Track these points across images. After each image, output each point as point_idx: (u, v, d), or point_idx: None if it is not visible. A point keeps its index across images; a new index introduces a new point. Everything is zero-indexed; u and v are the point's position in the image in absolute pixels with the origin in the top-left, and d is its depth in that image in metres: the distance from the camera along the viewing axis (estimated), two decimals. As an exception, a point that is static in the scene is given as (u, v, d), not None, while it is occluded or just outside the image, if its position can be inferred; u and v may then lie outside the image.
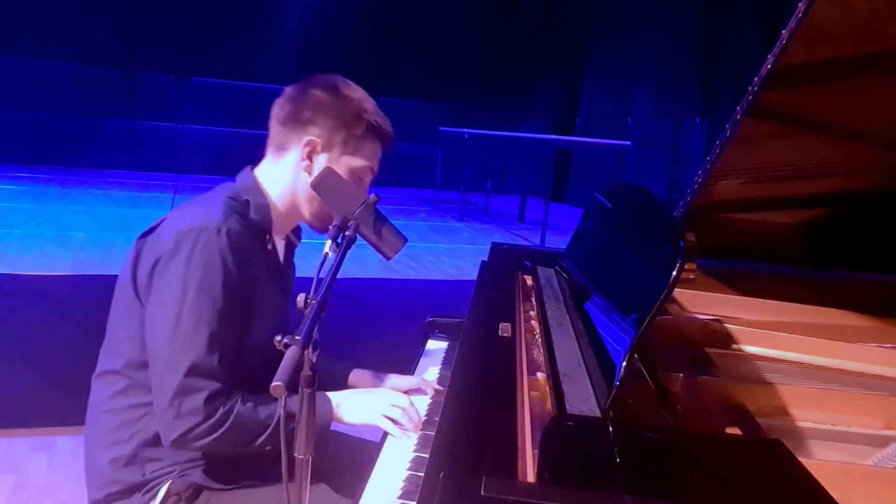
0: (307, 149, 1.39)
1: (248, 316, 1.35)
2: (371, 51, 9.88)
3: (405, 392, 1.52)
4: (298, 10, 9.38)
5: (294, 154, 1.41)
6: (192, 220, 1.29)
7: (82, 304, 3.02)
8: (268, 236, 1.42)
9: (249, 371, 1.35)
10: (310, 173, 1.39)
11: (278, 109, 1.42)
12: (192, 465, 1.37)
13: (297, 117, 1.39)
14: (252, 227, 1.37)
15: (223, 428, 1.25)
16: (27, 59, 8.46)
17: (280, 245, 1.50)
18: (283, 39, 9.35)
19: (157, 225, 1.36)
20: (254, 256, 1.36)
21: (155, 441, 1.34)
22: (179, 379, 1.22)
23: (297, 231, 1.58)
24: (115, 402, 1.37)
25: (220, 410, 1.25)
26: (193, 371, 1.23)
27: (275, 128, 1.43)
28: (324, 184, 1.24)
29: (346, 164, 1.40)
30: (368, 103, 1.43)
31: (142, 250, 1.34)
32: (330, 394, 1.40)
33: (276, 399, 1.27)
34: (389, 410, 1.37)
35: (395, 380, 1.62)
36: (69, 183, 7.19)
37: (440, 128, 8.30)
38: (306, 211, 1.45)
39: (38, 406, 2.98)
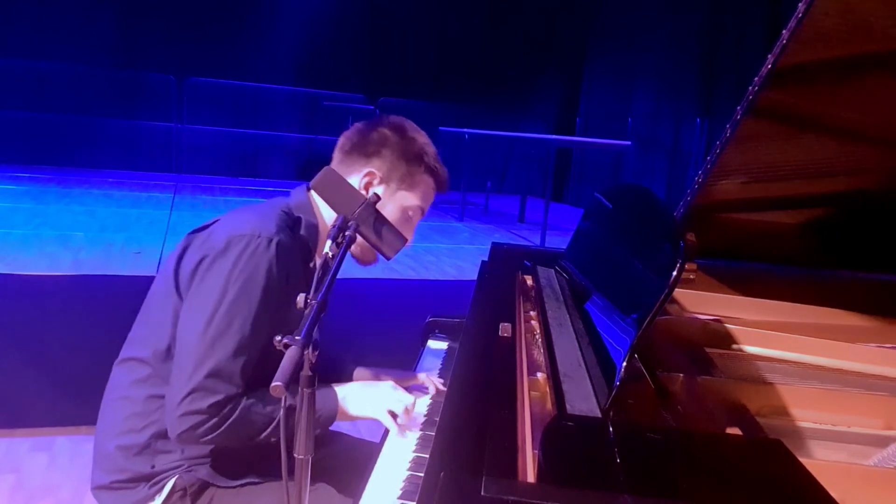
0: (366, 179, 1.43)
1: (281, 330, 1.35)
2: (371, 51, 9.87)
3: (408, 386, 1.54)
4: (298, 10, 9.37)
5: (352, 181, 1.42)
6: (247, 225, 1.31)
7: (82, 304, 3.02)
8: (313, 256, 1.45)
9: (269, 379, 1.36)
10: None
11: (344, 140, 1.48)
12: (200, 461, 1.38)
13: (362, 149, 1.45)
14: (300, 244, 1.39)
15: (228, 422, 1.26)
16: (27, 59, 8.46)
17: (319, 265, 1.52)
18: (283, 39, 9.35)
19: (210, 224, 1.39)
20: (296, 273, 1.37)
21: (167, 434, 1.34)
22: (199, 378, 1.23)
23: None
24: (133, 391, 1.38)
25: (227, 408, 1.26)
26: (214, 373, 1.24)
27: (337, 156, 1.48)
28: (323, 183, 1.24)
29: (400, 199, 1.46)
30: (431, 148, 1.50)
31: (190, 245, 1.37)
32: (336, 387, 1.40)
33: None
34: (394, 405, 1.37)
35: (397, 375, 1.63)
36: (69, 183, 7.19)
37: (440, 128, 8.29)
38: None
39: (38, 406, 2.99)
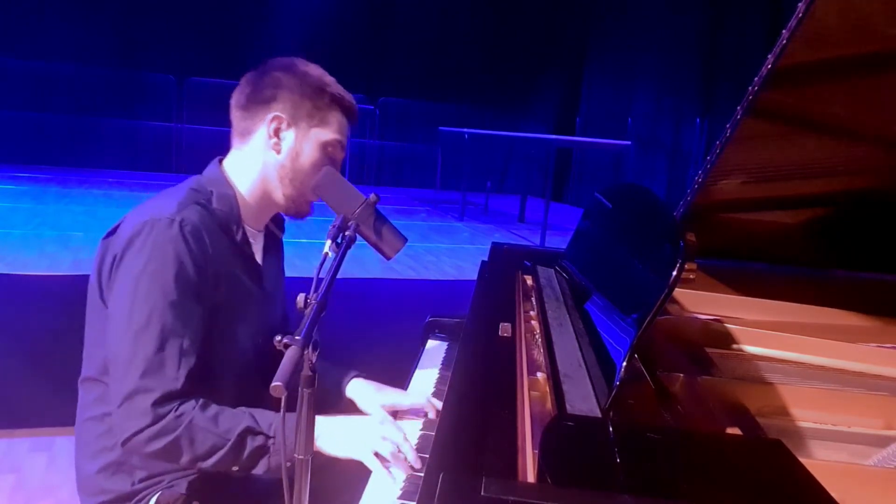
0: (273, 125, 1.36)
1: (217, 310, 1.30)
2: (371, 50, 9.88)
3: (406, 409, 1.43)
4: (298, 10, 9.38)
5: (260, 135, 1.37)
6: (146, 213, 1.26)
7: (82, 304, 3.02)
8: (235, 227, 1.37)
9: (228, 371, 1.33)
10: (278, 151, 1.37)
11: (238, 95, 1.40)
12: (181, 475, 1.33)
13: (258, 98, 1.37)
14: (216, 218, 1.33)
15: (173, 434, 1.18)
16: (27, 59, 8.46)
17: (258, 237, 1.46)
18: (283, 39, 9.34)
19: (120, 223, 1.32)
20: (218, 248, 1.30)
21: None
22: (133, 378, 1.18)
23: (278, 222, 1.54)
24: (96, 409, 1.34)
25: (171, 414, 1.18)
26: (147, 371, 1.18)
27: (236, 114, 1.41)
28: (324, 183, 1.24)
29: (314, 138, 1.38)
30: (328, 77, 1.42)
31: (106, 250, 1.31)
32: (318, 420, 1.25)
33: (243, 412, 1.23)
34: (380, 445, 1.21)
35: (395, 396, 1.47)
36: (69, 183, 7.19)
37: (440, 128, 8.30)
38: (279, 194, 1.40)
39: (37, 406, 2.98)
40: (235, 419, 1.22)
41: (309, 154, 1.37)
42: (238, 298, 1.36)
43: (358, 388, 1.50)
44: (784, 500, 0.81)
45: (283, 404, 0.91)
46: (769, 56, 1.14)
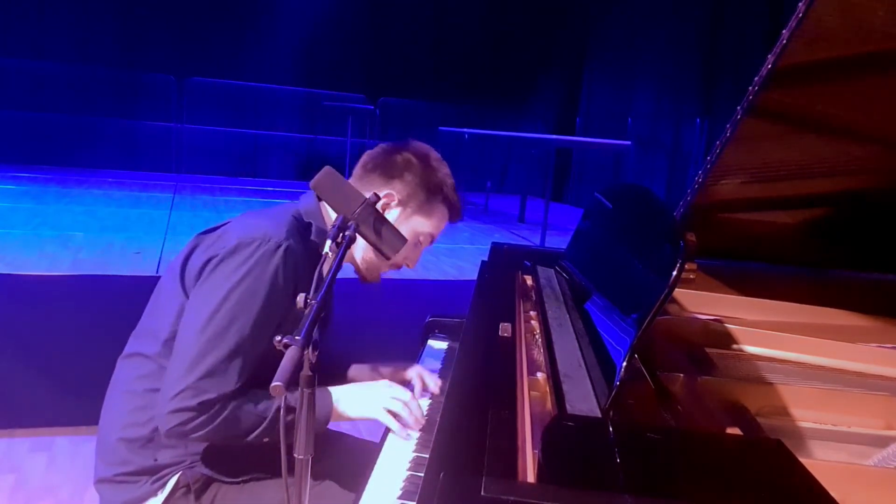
0: (385, 200, 1.46)
1: (280, 327, 1.34)
2: (371, 51, 9.87)
3: (405, 377, 1.57)
4: (298, 10, 9.37)
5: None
6: (258, 230, 1.32)
7: (82, 304, 3.02)
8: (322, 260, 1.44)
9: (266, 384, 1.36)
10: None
11: (368, 158, 1.52)
12: (202, 456, 1.38)
13: (385, 170, 1.48)
14: (310, 250, 1.39)
15: (217, 421, 1.25)
16: (27, 59, 8.46)
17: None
18: (282, 39, 9.35)
19: (221, 225, 1.40)
20: (305, 278, 1.35)
21: None
22: (194, 378, 1.23)
23: None
24: (138, 385, 1.39)
25: (216, 407, 1.26)
26: (208, 373, 1.24)
27: (358, 171, 1.52)
28: (323, 183, 1.24)
29: (414, 224, 1.50)
30: (450, 179, 1.54)
31: (199, 245, 1.38)
32: (330, 388, 1.40)
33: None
34: (391, 403, 1.36)
35: (394, 368, 1.63)
36: (69, 183, 7.19)
37: (440, 128, 8.30)
38: (359, 256, 1.51)
39: (38, 406, 2.99)
40: (268, 400, 1.30)
41: (409, 233, 1.45)
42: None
43: (358, 369, 1.65)
44: (784, 500, 0.82)
45: (282, 404, 0.91)
46: (769, 56, 1.15)
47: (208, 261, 1.31)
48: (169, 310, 1.36)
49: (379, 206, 1.41)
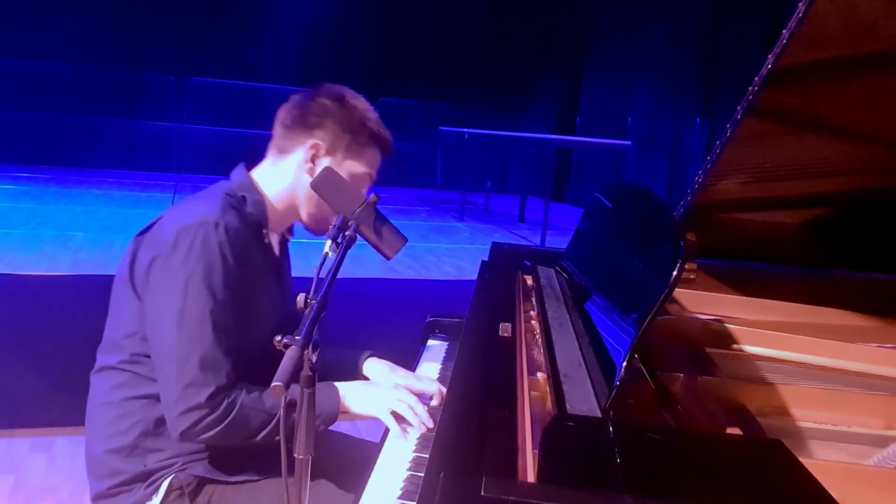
0: (311, 151, 1.43)
1: (247, 309, 1.36)
2: (371, 51, 9.88)
3: (418, 390, 1.49)
4: (298, 10, 9.38)
5: (297, 157, 1.44)
6: (191, 216, 1.31)
7: (82, 304, 3.02)
8: (264, 231, 1.45)
9: (249, 364, 1.35)
10: (311, 175, 1.42)
11: (285, 114, 1.47)
12: (194, 457, 1.37)
13: (303, 122, 1.44)
14: (249, 222, 1.39)
15: (228, 419, 1.26)
16: (27, 59, 8.46)
17: (274, 240, 1.53)
18: (283, 39, 9.35)
19: (154, 222, 1.38)
20: (251, 250, 1.38)
21: (155, 431, 1.35)
22: (189, 373, 1.24)
23: (290, 228, 1.61)
24: (113, 395, 1.38)
25: (225, 402, 1.26)
26: (201, 365, 1.24)
27: (279, 131, 1.48)
28: (324, 183, 1.24)
29: (347, 168, 1.44)
30: (372, 113, 1.49)
31: (139, 248, 1.36)
32: (339, 384, 1.40)
33: None
34: (396, 405, 1.36)
35: (408, 377, 1.55)
36: (69, 183, 7.19)
37: (440, 128, 8.30)
38: (304, 212, 1.48)
39: (38, 406, 2.99)
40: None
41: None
42: (264, 299, 1.43)
43: (373, 367, 1.60)
44: (784, 500, 0.82)
45: (282, 404, 0.91)
46: (769, 56, 1.15)
47: (153, 261, 1.30)
48: (128, 318, 1.35)
49: (308, 159, 1.43)
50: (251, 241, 1.40)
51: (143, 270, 1.32)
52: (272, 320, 1.44)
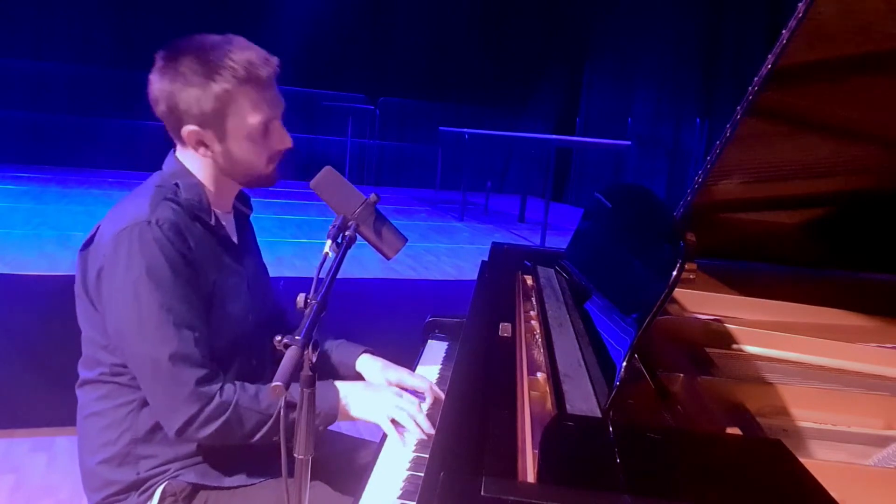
0: (193, 139, 1.33)
1: (209, 293, 1.34)
2: (371, 51, 9.88)
3: (408, 389, 1.49)
4: (298, 10, 9.37)
5: (194, 155, 1.37)
6: (123, 219, 1.27)
7: (82, 304, 3.02)
8: (207, 214, 1.38)
9: (222, 347, 1.34)
10: (212, 157, 1.36)
11: (154, 107, 1.37)
12: (187, 463, 1.36)
13: (166, 117, 1.35)
14: (188, 209, 1.34)
15: (223, 417, 1.25)
16: (27, 59, 8.46)
17: (227, 217, 1.47)
18: (282, 39, 9.32)
19: (95, 233, 1.34)
20: (197, 238, 1.33)
21: (145, 438, 1.34)
22: (165, 374, 1.23)
23: (244, 200, 1.56)
24: (98, 406, 1.37)
25: (217, 398, 1.25)
26: (174, 362, 1.23)
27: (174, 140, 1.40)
28: (324, 183, 1.24)
29: (238, 133, 1.32)
30: (213, 58, 1.27)
31: (86, 262, 1.33)
32: (339, 384, 1.38)
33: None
34: (395, 413, 1.33)
35: (402, 374, 1.55)
36: (69, 183, 7.19)
37: (440, 128, 8.29)
38: (233, 182, 1.41)
39: (37, 406, 2.98)
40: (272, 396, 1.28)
41: (241, 147, 1.34)
42: (227, 281, 1.39)
43: (366, 363, 1.58)
44: (784, 500, 0.82)
45: (282, 404, 0.91)
46: (769, 56, 1.15)
47: (100, 272, 1.28)
48: (96, 331, 1.34)
49: (195, 148, 1.33)
50: (195, 227, 1.34)
51: (94, 284, 1.30)
52: (243, 301, 1.41)
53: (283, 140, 1.38)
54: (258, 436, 1.29)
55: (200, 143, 1.34)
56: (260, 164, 1.37)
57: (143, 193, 1.34)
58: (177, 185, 1.36)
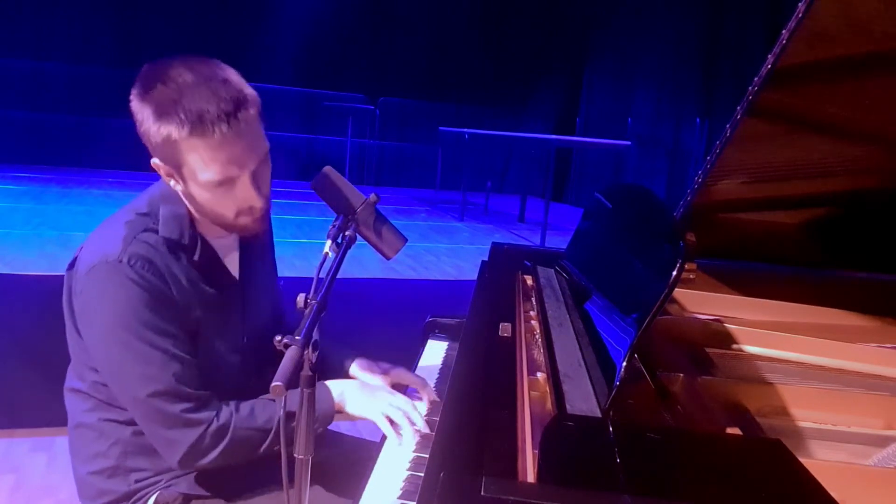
0: (162, 172, 1.22)
1: (195, 329, 1.29)
2: (371, 51, 9.88)
3: (407, 381, 1.51)
4: (298, 11, 9.38)
5: (163, 177, 1.25)
6: (94, 253, 1.21)
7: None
8: (190, 248, 1.27)
9: (212, 375, 1.30)
10: (186, 194, 1.24)
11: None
12: (178, 473, 1.34)
13: (142, 139, 1.19)
14: (166, 241, 1.24)
15: (224, 442, 1.23)
16: (27, 59, 8.46)
17: (225, 244, 1.37)
18: (282, 39, 9.35)
19: (78, 255, 1.30)
20: (176, 271, 1.24)
21: (135, 451, 1.32)
22: (152, 411, 1.20)
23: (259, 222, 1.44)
24: (87, 418, 1.36)
25: (215, 423, 1.22)
26: (160, 399, 1.19)
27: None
28: (323, 184, 1.24)
29: (198, 183, 1.19)
30: (171, 104, 1.12)
31: (70, 285, 1.30)
32: (332, 382, 1.37)
33: (273, 401, 1.27)
34: (390, 411, 1.33)
35: (399, 372, 1.55)
36: (69, 183, 7.19)
37: (440, 128, 8.30)
38: (210, 218, 1.27)
39: (38, 406, 2.98)
40: (269, 408, 1.27)
41: (202, 195, 1.21)
42: (214, 317, 1.32)
43: (361, 367, 1.57)
44: (784, 500, 0.82)
45: (283, 404, 0.91)
46: (769, 56, 1.15)
47: (80, 311, 1.25)
48: (81, 350, 1.32)
49: (166, 177, 1.22)
50: (175, 261, 1.25)
51: (76, 310, 1.28)
52: (232, 331, 1.36)
53: (248, 199, 1.21)
54: (261, 451, 1.27)
55: (170, 176, 1.22)
56: (227, 215, 1.24)
57: (116, 225, 1.25)
58: (155, 215, 1.26)
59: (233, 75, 1.22)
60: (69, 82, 8.68)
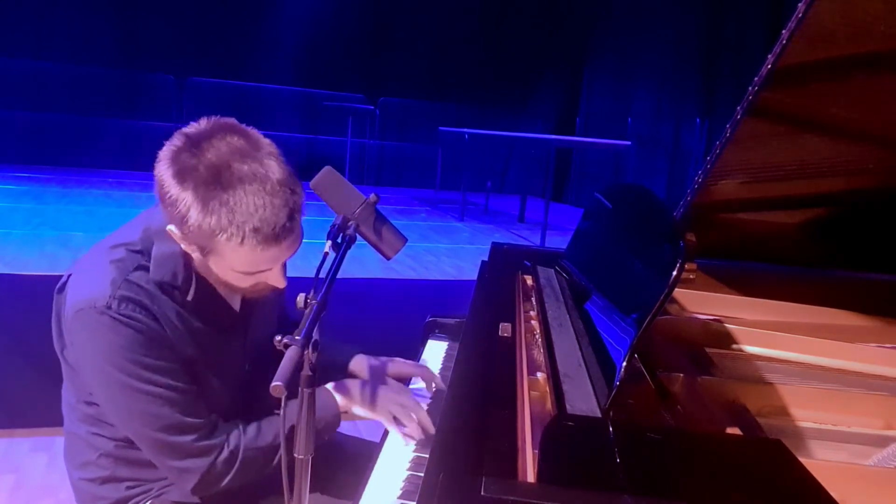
0: (176, 236, 1.17)
1: (192, 364, 1.26)
2: (371, 51, 9.87)
3: (408, 372, 1.54)
4: (298, 10, 9.37)
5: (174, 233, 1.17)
6: (82, 293, 1.18)
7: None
8: (182, 290, 1.24)
9: (213, 403, 1.29)
10: (201, 264, 1.22)
11: (156, 180, 1.18)
12: (170, 482, 1.34)
13: (160, 197, 1.16)
14: (158, 283, 1.21)
15: (235, 468, 1.23)
16: (27, 59, 8.46)
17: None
18: (282, 39, 9.34)
19: (66, 281, 1.28)
20: (168, 312, 1.21)
21: (127, 461, 1.32)
22: (158, 445, 1.21)
23: None
24: (76, 427, 1.36)
25: (226, 449, 1.23)
26: (165, 434, 1.20)
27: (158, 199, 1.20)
28: (323, 183, 1.24)
29: (225, 267, 1.18)
30: (220, 206, 1.07)
31: (59, 309, 1.26)
32: (336, 384, 1.37)
33: (275, 414, 1.27)
34: (397, 410, 1.33)
35: (399, 363, 1.57)
36: (69, 183, 7.19)
37: (440, 128, 8.29)
38: (221, 286, 1.26)
39: (38, 406, 2.98)
40: (274, 424, 1.28)
41: (223, 272, 1.20)
42: (208, 359, 1.29)
43: (361, 363, 1.58)
44: (784, 500, 0.82)
45: (283, 404, 0.91)
46: (769, 56, 1.15)
47: (69, 345, 1.23)
48: (67, 368, 1.30)
49: (179, 241, 1.16)
50: (167, 302, 1.21)
51: (64, 344, 1.26)
52: (230, 364, 1.34)
53: (274, 283, 1.22)
54: (272, 465, 1.27)
55: (188, 246, 1.18)
56: (242, 288, 1.23)
57: (109, 259, 1.21)
58: (148, 255, 1.22)
59: (277, 167, 1.15)
60: (69, 82, 8.66)
